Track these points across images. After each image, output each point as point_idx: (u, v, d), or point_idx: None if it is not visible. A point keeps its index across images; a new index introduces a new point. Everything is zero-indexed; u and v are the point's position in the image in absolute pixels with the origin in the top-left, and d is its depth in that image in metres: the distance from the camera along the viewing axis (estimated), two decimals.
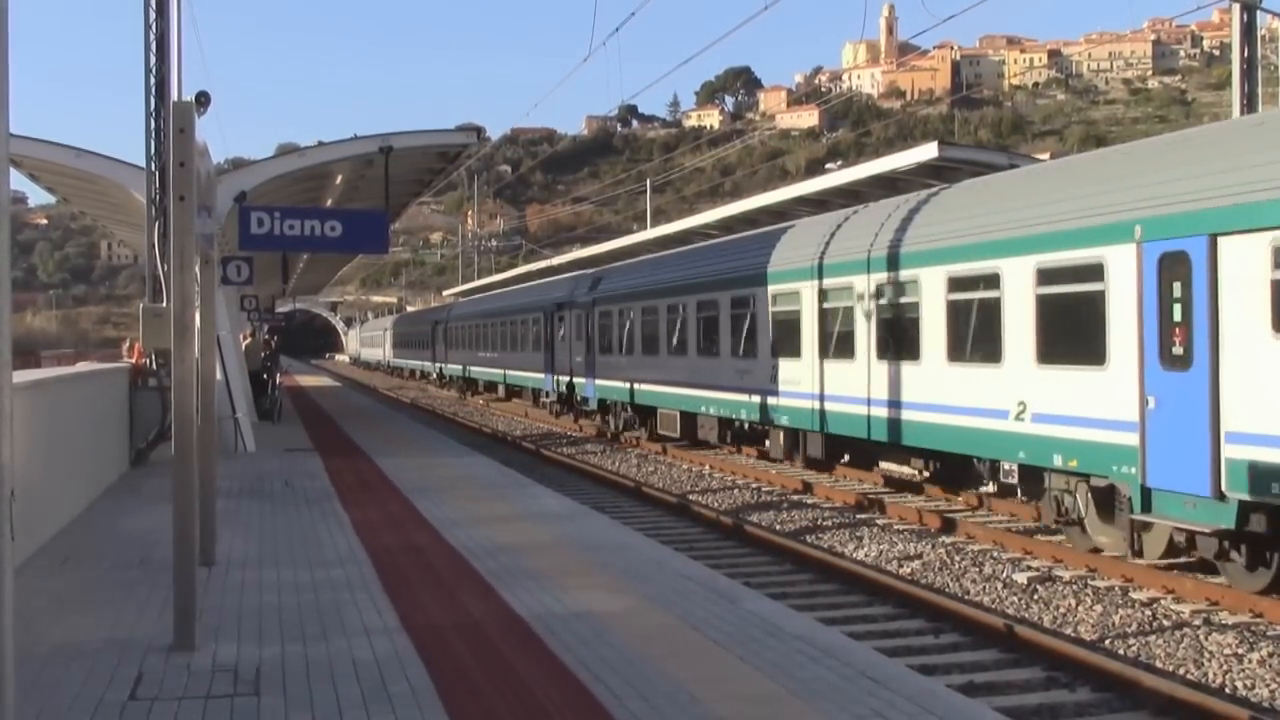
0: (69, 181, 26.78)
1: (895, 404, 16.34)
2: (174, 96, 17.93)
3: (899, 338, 16.40)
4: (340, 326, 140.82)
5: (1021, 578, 11.96)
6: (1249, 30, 20.87)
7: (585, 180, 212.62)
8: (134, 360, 19.57)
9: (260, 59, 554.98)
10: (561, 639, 7.31)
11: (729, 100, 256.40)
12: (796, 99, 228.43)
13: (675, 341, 24.94)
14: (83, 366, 22.91)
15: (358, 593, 8.83)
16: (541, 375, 36.26)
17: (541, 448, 26.84)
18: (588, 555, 10.33)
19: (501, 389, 46.12)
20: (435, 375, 61.39)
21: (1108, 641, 9.74)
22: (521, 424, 35.90)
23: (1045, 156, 26.40)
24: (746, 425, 22.05)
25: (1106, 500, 12.43)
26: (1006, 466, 13.97)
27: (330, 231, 17.80)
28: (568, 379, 32.85)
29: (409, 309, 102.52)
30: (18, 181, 48.70)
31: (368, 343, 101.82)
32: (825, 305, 18.54)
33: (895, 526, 15.40)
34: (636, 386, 27.06)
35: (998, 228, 14.12)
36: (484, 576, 9.38)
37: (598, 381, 29.89)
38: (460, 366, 53.42)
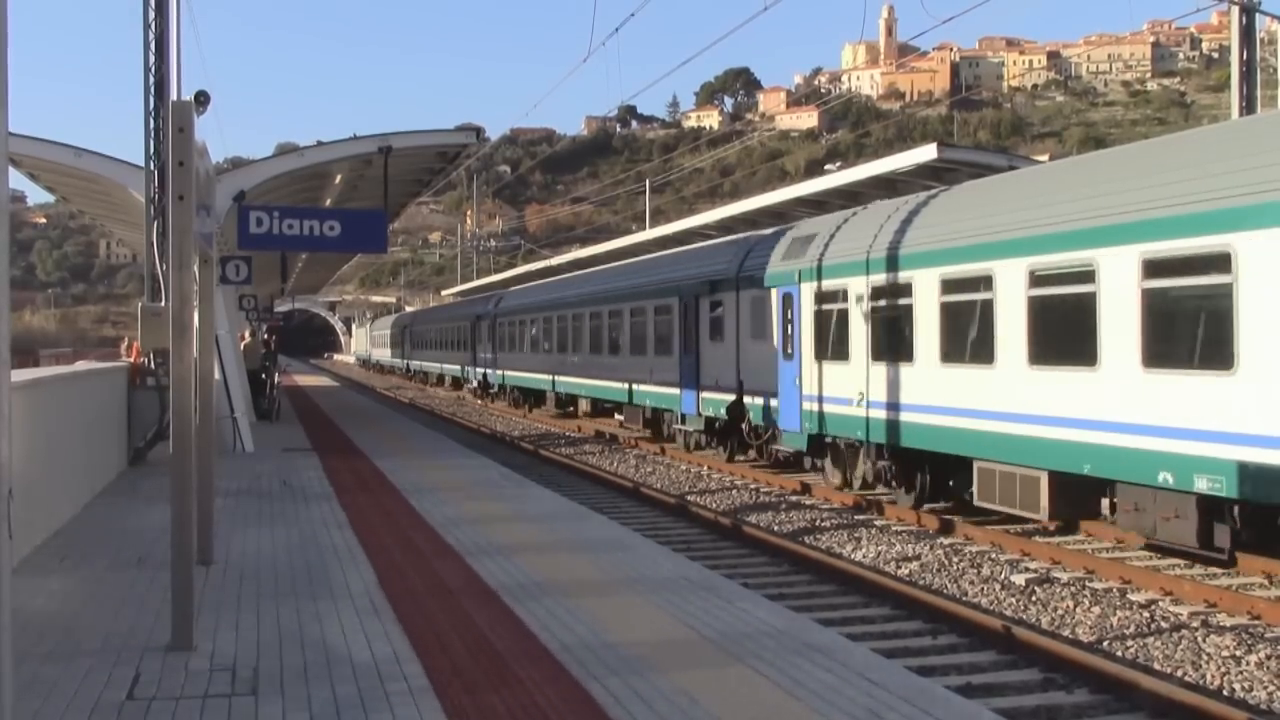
0: (68, 180, 26.78)
1: None
2: (173, 96, 17.91)
3: None
4: (339, 326, 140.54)
5: (1019, 579, 11.97)
6: (1248, 32, 20.88)
7: (584, 180, 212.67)
8: (132, 359, 19.56)
9: (259, 59, 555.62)
10: (559, 638, 7.31)
11: (728, 101, 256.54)
12: (796, 100, 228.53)
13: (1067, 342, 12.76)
14: (81, 365, 22.89)
15: (356, 593, 8.82)
16: (673, 390, 24.60)
17: (540, 448, 26.83)
18: (586, 555, 10.33)
19: (584, 403, 33.93)
20: (476, 383, 48.40)
21: (1106, 643, 9.74)
22: (520, 424, 35.89)
23: (1044, 158, 26.42)
24: None
25: None
26: None
27: (329, 231, 17.88)
28: (730, 397, 21.56)
29: (408, 309, 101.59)
30: (17, 180, 48.62)
31: (381, 342, 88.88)
32: None
33: (893, 527, 15.40)
34: (919, 419, 15.35)
35: None
36: (483, 577, 9.37)
37: (827, 409, 17.79)
38: (519, 374, 40.27)
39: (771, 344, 19.73)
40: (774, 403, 19.65)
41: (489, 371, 45.51)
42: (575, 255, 46.40)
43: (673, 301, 24.88)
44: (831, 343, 17.69)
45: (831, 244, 17.98)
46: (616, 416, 30.79)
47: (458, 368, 53.51)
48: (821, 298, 18.02)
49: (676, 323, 24.57)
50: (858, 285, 16.90)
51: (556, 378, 35.17)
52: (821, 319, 18.02)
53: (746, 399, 20.98)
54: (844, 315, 17.30)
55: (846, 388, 17.15)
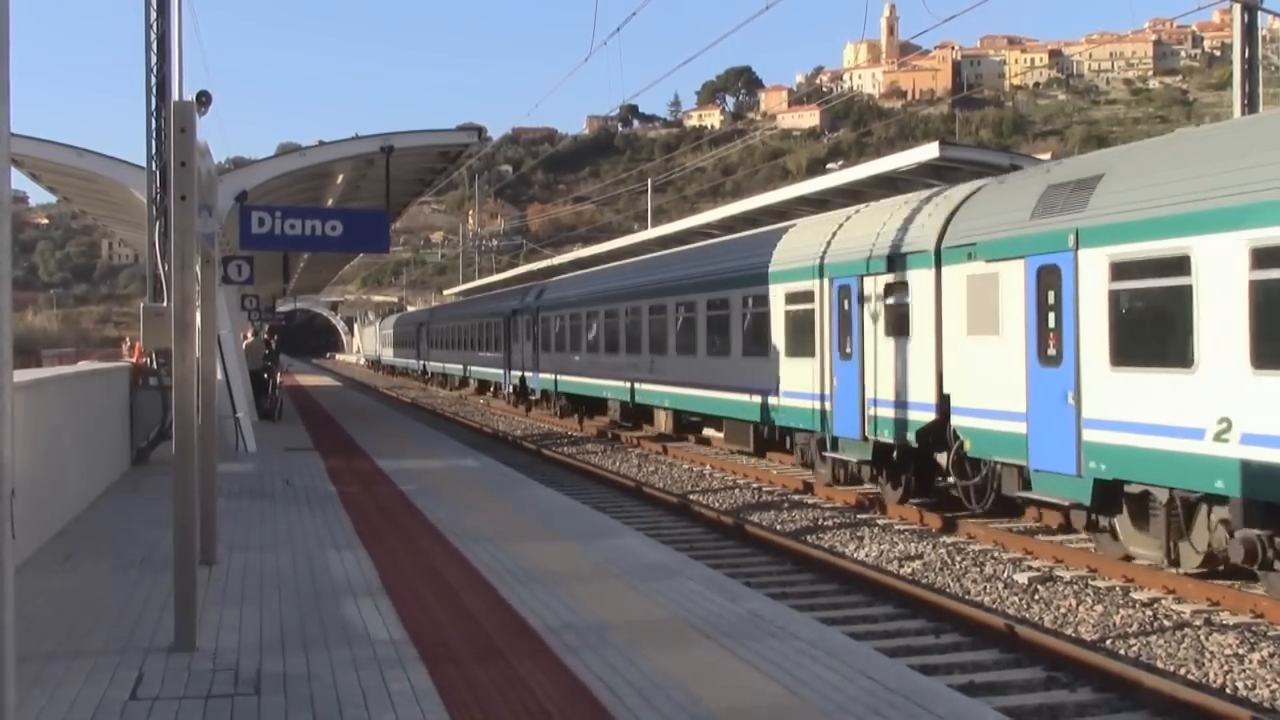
0: (70, 181, 26.79)
1: None
2: (175, 96, 17.93)
3: None
4: (341, 326, 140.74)
5: (1022, 578, 11.96)
6: (1250, 30, 20.87)
7: (586, 180, 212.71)
8: (135, 359, 19.58)
9: (261, 58, 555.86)
10: (562, 639, 7.31)
11: (730, 100, 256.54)
12: (797, 99, 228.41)
13: None
14: (83, 365, 22.91)
15: (358, 592, 8.83)
16: (814, 404, 18.51)
17: (542, 447, 26.83)
18: (591, 554, 10.33)
19: (662, 418, 27.49)
20: (512, 389, 42.30)
21: (1109, 642, 9.73)
22: (522, 424, 35.89)
23: (1046, 156, 26.35)
24: None
25: None
26: None
27: (331, 231, 17.84)
28: (922, 416, 15.52)
29: (409, 308, 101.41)
30: (19, 181, 48.59)
31: (393, 341, 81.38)
32: None
33: (896, 526, 15.39)
34: None
35: None
36: (484, 576, 9.38)
37: (1140, 443, 11.60)
38: (570, 378, 33.91)
39: (1010, 342, 13.65)
40: (1011, 428, 13.55)
41: (528, 374, 38.91)
42: (576, 255, 46.34)
43: (815, 285, 18.47)
44: (1149, 340, 11.76)
45: (1147, 186, 11.81)
46: (707, 431, 25.89)
47: (487, 370, 46.60)
48: (1126, 270, 11.86)
49: (828, 313, 18.08)
50: (1219, 249, 10.60)
51: (624, 383, 28.82)
52: (1126, 303, 12.03)
53: (955, 420, 14.80)
54: (1180, 296, 11.07)
55: (1187, 411, 10.96)
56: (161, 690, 6.32)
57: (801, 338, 19.07)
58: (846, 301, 17.52)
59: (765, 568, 12.85)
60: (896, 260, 16.14)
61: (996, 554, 13.33)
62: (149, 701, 6.12)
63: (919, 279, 15.62)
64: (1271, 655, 9.11)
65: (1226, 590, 10.94)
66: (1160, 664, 9.09)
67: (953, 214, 15.31)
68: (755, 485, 19.72)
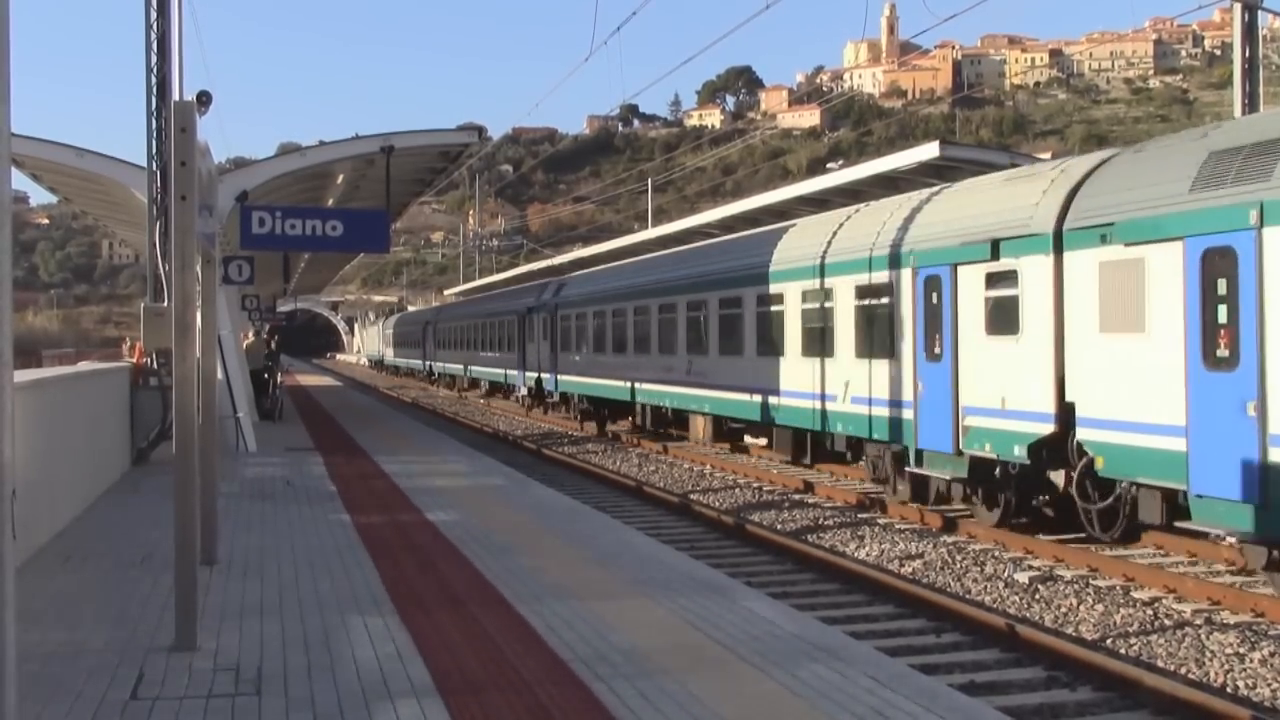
0: (71, 181, 26.80)
1: None
2: (175, 96, 17.93)
3: None
4: (341, 326, 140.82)
5: (1023, 577, 11.96)
6: (1250, 30, 20.88)
7: (586, 179, 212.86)
8: (135, 359, 19.58)
9: (262, 58, 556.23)
10: (562, 637, 7.31)
11: (730, 100, 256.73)
12: (798, 98, 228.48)
13: None
14: (84, 366, 22.91)
15: (359, 592, 8.83)
16: (889, 412, 16.21)
17: (543, 447, 26.83)
18: (590, 552, 10.34)
19: (700, 424, 24.56)
20: (526, 391, 39.47)
21: (1109, 641, 9.73)
22: (523, 424, 35.90)
23: (1047, 156, 26.33)
24: None
25: None
26: None
27: (331, 231, 17.83)
28: (1033, 428, 13.28)
29: (410, 308, 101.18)
30: (19, 181, 48.53)
31: (398, 341, 77.66)
32: None
33: (896, 526, 15.39)
34: None
35: None
36: (486, 577, 9.38)
37: None
38: (590, 380, 31.35)
39: (1162, 341, 11.34)
40: (1163, 443, 11.26)
41: (545, 376, 36.45)
42: (576, 255, 46.34)
43: (893, 276, 16.08)
44: None
45: None
46: (748, 439, 23.04)
47: (499, 371, 43.92)
48: None
49: (910, 309, 15.53)
50: None
51: (655, 386, 26.33)
52: None
53: (1081, 432, 12.53)
54: None
55: None
56: (162, 690, 6.32)
57: (875, 336, 16.61)
58: (935, 294, 14.98)
59: (766, 567, 12.86)
60: (1001, 245, 13.74)
61: (997, 553, 13.33)
62: (150, 701, 6.12)
63: (1032, 266, 13.25)
64: (1272, 654, 9.11)
65: (1227, 590, 10.95)
66: (1161, 663, 9.09)
67: (1076, 189, 12.99)
68: (756, 485, 19.72)
